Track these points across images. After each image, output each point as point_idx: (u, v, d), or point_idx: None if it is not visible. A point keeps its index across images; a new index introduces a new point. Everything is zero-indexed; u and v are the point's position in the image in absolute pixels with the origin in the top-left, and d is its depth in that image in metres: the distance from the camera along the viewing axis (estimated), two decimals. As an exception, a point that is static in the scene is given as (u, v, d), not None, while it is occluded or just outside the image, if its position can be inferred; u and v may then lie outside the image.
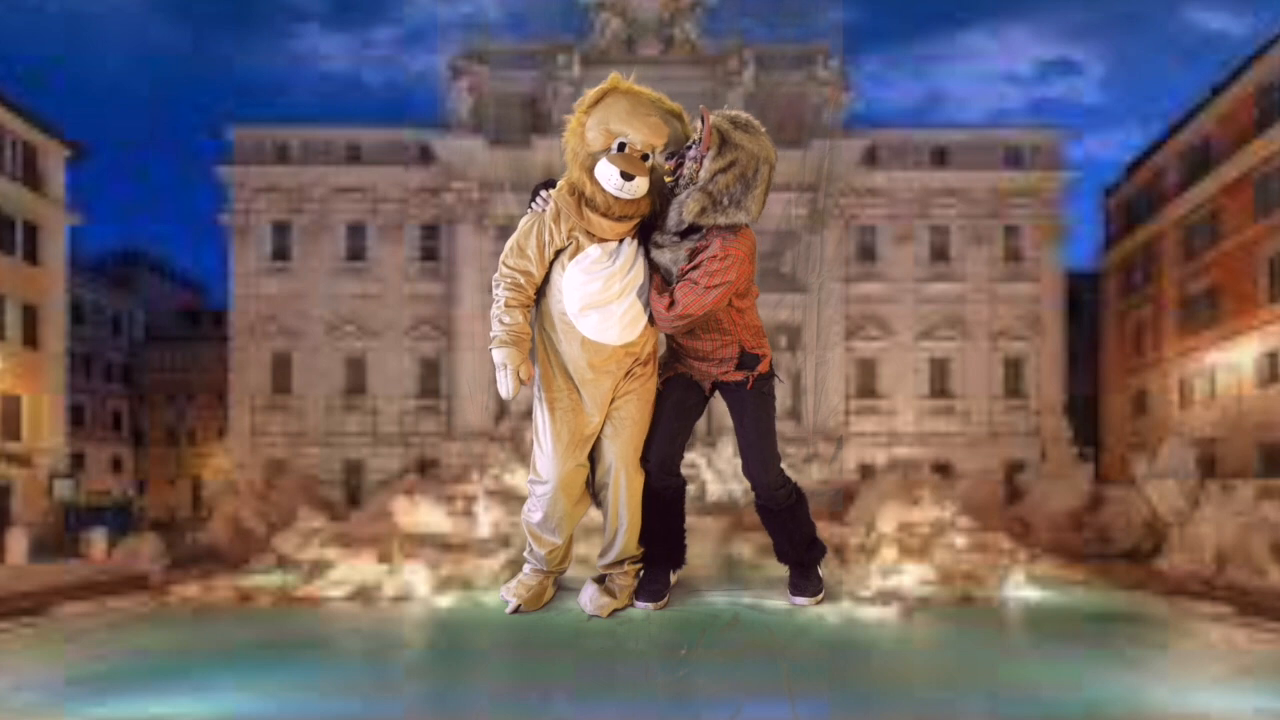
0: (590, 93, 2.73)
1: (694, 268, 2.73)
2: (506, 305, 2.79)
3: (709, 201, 2.69)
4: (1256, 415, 29.11)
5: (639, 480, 2.96)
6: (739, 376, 2.97)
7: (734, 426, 3.08)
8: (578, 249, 2.77)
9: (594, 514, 3.12)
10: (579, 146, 2.73)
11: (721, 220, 2.71)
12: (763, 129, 2.77)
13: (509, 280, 2.81)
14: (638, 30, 32.95)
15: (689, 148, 2.76)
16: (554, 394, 2.86)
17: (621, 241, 2.80)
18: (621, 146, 2.67)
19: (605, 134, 2.68)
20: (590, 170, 2.69)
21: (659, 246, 2.85)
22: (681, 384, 3.06)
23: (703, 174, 2.69)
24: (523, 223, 2.84)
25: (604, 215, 2.72)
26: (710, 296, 2.70)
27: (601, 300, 2.77)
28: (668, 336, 3.03)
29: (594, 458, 3.00)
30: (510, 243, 2.84)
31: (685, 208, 2.72)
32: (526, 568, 3.14)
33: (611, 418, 2.92)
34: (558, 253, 2.80)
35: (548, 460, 2.89)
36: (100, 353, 44.63)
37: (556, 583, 3.22)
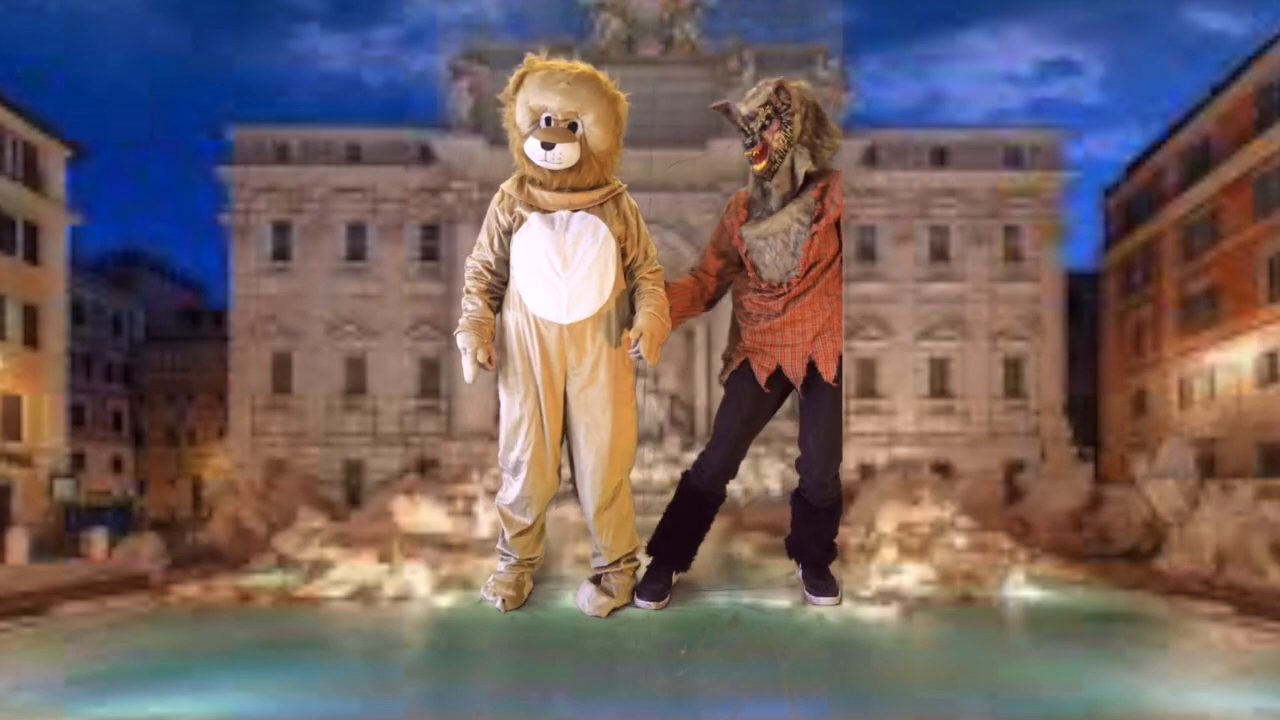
0: (511, 80, 2.80)
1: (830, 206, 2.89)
2: (468, 294, 2.89)
3: (813, 149, 2.87)
4: (1256, 415, 29.11)
5: (616, 480, 2.94)
6: (832, 362, 2.93)
7: (803, 418, 3.03)
8: (521, 223, 2.83)
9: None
10: (513, 132, 2.81)
11: (826, 156, 2.91)
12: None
13: (470, 270, 2.93)
14: (638, 30, 32.93)
15: (763, 127, 2.84)
16: (512, 376, 2.87)
17: (575, 213, 2.80)
18: (549, 121, 2.73)
19: (530, 113, 2.76)
20: (523, 150, 2.77)
21: (763, 218, 2.93)
22: (756, 389, 3.02)
23: (797, 127, 2.83)
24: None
25: (544, 188, 2.79)
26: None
27: (547, 271, 2.77)
28: (756, 323, 3.01)
29: (570, 455, 2.99)
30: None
31: (799, 166, 2.86)
32: (501, 564, 3.13)
33: (581, 420, 2.90)
34: (508, 234, 2.86)
35: (512, 440, 2.90)
36: (100, 353, 44.64)
37: (533, 577, 3.22)
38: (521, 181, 2.84)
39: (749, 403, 3.05)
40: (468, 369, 2.78)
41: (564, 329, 2.80)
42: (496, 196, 2.90)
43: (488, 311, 2.86)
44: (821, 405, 2.98)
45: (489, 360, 2.78)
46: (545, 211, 2.80)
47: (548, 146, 2.68)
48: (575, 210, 2.80)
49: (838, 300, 2.97)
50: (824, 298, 2.94)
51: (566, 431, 2.96)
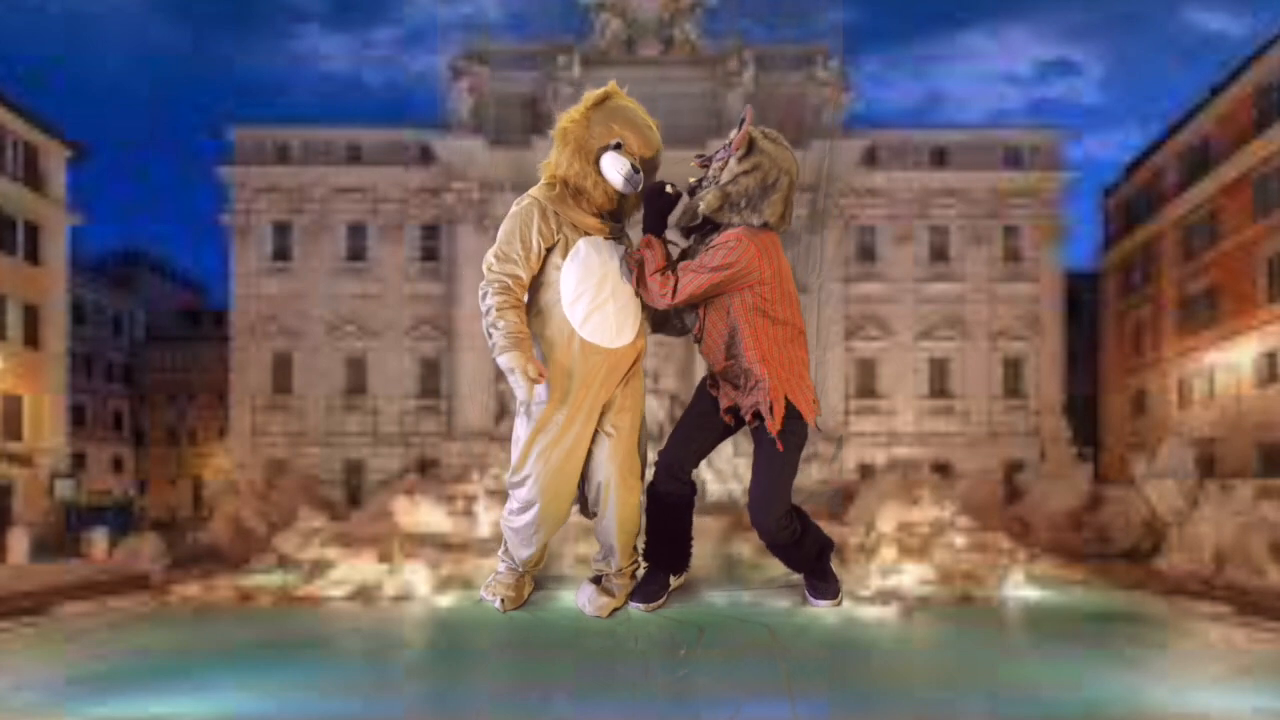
0: (595, 92, 2.82)
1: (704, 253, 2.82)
2: (499, 310, 2.69)
3: (725, 200, 2.78)
4: (1255, 415, 29.11)
5: (633, 497, 2.93)
6: (749, 415, 2.86)
7: (753, 462, 2.97)
8: (567, 246, 2.76)
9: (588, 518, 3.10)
10: (585, 137, 2.75)
11: (736, 220, 2.80)
12: (788, 145, 2.89)
13: (497, 284, 2.73)
14: (638, 30, 32.92)
15: (719, 151, 2.87)
16: (541, 401, 2.79)
17: (607, 241, 2.82)
18: (618, 147, 2.75)
19: (608, 131, 2.75)
20: (595, 161, 2.75)
21: (673, 244, 2.95)
22: (710, 398, 3.04)
23: (725, 174, 2.78)
24: (505, 226, 2.78)
25: (590, 213, 2.80)
26: (703, 278, 2.73)
27: (600, 297, 2.76)
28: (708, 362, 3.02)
29: (585, 468, 2.93)
30: (494, 248, 2.78)
31: (703, 202, 2.80)
32: (501, 566, 3.11)
33: (604, 431, 2.88)
34: (548, 251, 2.76)
35: (530, 465, 2.84)
36: (101, 353, 44.63)
37: (534, 579, 3.21)
38: (562, 197, 2.79)
39: (704, 401, 3.06)
40: (523, 388, 2.69)
41: (610, 353, 2.79)
42: (534, 209, 2.75)
43: (524, 326, 2.72)
44: (760, 454, 2.90)
45: (540, 375, 2.66)
46: (586, 234, 2.81)
47: (637, 170, 2.74)
48: (605, 239, 2.83)
49: (774, 357, 2.83)
50: (738, 354, 2.84)
51: (590, 456, 2.93)
